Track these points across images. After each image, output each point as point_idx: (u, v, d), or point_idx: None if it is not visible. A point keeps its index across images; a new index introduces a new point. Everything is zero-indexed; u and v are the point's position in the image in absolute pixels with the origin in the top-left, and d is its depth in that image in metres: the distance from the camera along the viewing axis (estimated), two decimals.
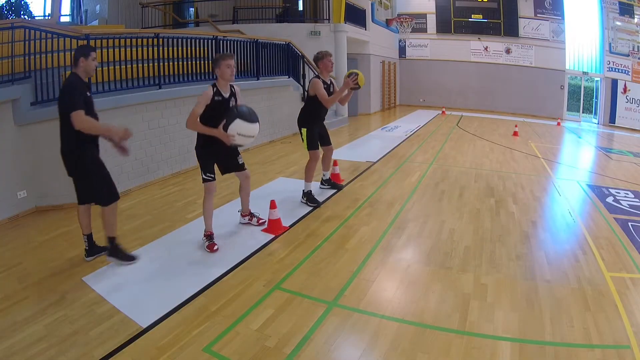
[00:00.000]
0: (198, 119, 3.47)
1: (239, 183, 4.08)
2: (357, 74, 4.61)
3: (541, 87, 16.23)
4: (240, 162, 3.88)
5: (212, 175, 3.65)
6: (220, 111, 3.49)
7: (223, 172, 3.90)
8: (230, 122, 3.35)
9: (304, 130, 4.79)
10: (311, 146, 4.80)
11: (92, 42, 4.99)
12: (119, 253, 3.39)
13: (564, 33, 15.88)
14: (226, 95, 3.60)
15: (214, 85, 3.55)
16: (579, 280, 3.19)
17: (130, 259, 3.42)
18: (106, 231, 3.35)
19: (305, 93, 4.76)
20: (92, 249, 3.50)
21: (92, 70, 3.27)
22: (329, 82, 4.87)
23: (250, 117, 3.41)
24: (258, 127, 3.49)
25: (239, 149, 3.84)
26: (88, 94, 3.23)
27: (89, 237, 3.50)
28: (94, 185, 3.31)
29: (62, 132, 3.19)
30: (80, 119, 3.03)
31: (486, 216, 4.57)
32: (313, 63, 4.99)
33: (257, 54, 8.29)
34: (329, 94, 4.79)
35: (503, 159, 7.68)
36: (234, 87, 3.70)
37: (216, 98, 3.51)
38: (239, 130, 3.36)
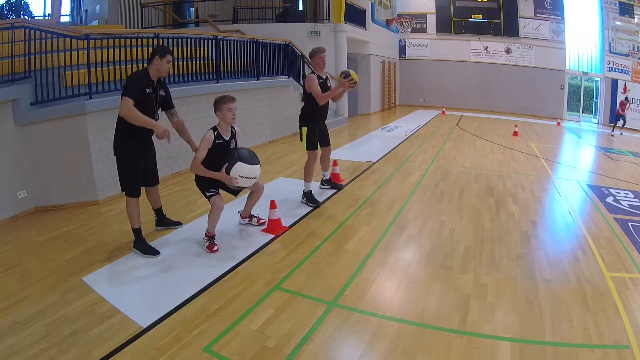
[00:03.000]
0: (200, 163, 3.51)
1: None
2: (349, 73, 4.63)
3: (541, 87, 16.24)
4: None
5: (215, 190, 3.63)
6: (221, 154, 3.55)
7: (235, 193, 3.89)
8: (232, 165, 3.43)
9: (304, 129, 4.78)
10: (310, 146, 4.79)
11: (92, 42, 4.99)
12: (140, 245, 3.58)
13: (564, 33, 15.89)
14: (227, 137, 3.64)
15: (214, 129, 3.59)
16: (579, 280, 3.20)
17: (153, 252, 3.56)
18: (130, 221, 3.62)
19: (302, 88, 4.77)
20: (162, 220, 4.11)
21: (164, 71, 3.54)
22: (324, 77, 4.86)
23: (252, 159, 3.49)
24: (259, 168, 3.57)
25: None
26: (148, 90, 3.43)
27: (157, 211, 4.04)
28: (119, 172, 3.62)
29: (118, 117, 3.48)
30: (126, 106, 3.25)
31: (486, 216, 4.57)
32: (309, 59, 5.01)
33: (257, 54, 8.29)
34: (325, 88, 4.78)
35: (503, 159, 7.68)
36: (234, 128, 3.73)
37: (217, 142, 3.56)
38: (241, 173, 3.45)
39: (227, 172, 3.44)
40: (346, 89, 4.62)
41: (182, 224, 4.22)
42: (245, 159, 3.45)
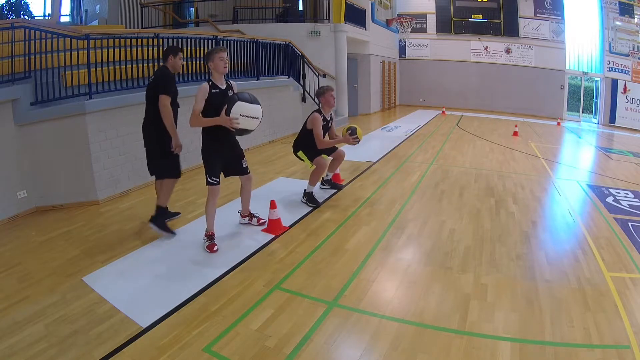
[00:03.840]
0: (200, 115, 3.47)
1: (239, 183, 4.08)
2: (356, 129, 4.73)
3: (541, 87, 16.23)
4: (244, 166, 3.87)
5: (217, 180, 3.64)
6: (219, 104, 3.49)
7: (226, 174, 3.89)
8: (231, 105, 3.37)
9: (300, 153, 4.82)
10: (313, 157, 4.78)
11: (92, 42, 4.99)
12: (160, 221, 3.91)
13: (564, 33, 15.88)
14: (223, 87, 3.59)
15: (209, 80, 3.56)
16: (579, 280, 3.20)
17: (170, 231, 3.88)
18: (159, 200, 3.99)
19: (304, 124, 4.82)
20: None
21: (178, 68, 4.05)
22: (328, 119, 4.87)
23: (252, 99, 3.44)
24: (260, 109, 3.50)
25: (241, 141, 3.82)
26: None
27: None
28: (147, 156, 4.13)
29: (147, 110, 4.01)
30: (163, 103, 3.78)
31: (486, 216, 4.57)
32: (315, 98, 4.95)
33: (257, 54, 8.29)
34: (326, 130, 4.83)
35: (503, 159, 7.68)
36: (230, 80, 3.70)
37: (213, 91, 3.51)
38: (241, 112, 3.37)
39: (227, 113, 3.38)
40: (349, 144, 4.74)
41: (179, 214, 4.46)
42: (245, 99, 3.41)
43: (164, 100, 3.77)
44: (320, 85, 4.95)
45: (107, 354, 2.32)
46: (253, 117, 3.44)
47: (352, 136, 4.68)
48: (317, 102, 4.95)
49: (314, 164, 4.78)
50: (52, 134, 4.68)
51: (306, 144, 4.79)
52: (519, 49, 16.59)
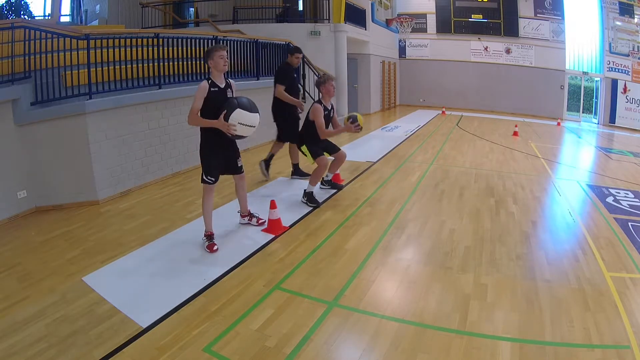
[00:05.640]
0: (198, 114, 3.47)
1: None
2: (357, 117, 4.73)
3: (541, 87, 16.23)
4: (239, 165, 3.87)
5: (213, 179, 3.64)
6: (218, 103, 3.49)
7: (222, 172, 3.89)
8: (230, 112, 3.37)
9: (303, 148, 4.83)
10: (316, 155, 4.79)
11: (92, 42, 4.99)
12: (299, 171, 5.77)
13: (564, 33, 15.88)
14: (222, 85, 3.59)
15: (208, 79, 3.55)
16: (579, 280, 3.19)
17: (305, 174, 5.56)
18: (293, 159, 5.78)
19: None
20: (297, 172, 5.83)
21: (294, 63, 5.68)
22: (329, 108, 4.87)
23: (251, 107, 3.45)
24: (259, 117, 3.52)
25: (240, 141, 3.83)
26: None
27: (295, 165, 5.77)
28: (281, 130, 5.69)
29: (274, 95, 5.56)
30: (278, 91, 5.56)
31: (486, 216, 4.57)
32: (315, 87, 5.03)
33: (257, 54, 8.29)
34: (328, 120, 4.82)
35: (503, 159, 7.68)
36: (229, 79, 3.70)
37: (212, 89, 3.51)
38: (239, 120, 3.39)
39: (226, 119, 3.39)
40: (351, 132, 4.74)
41: (309, 175, 5.22)
42: (245, 106, 3.42)
43: (279, 88, 5.45)
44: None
45: (107, 354, 2.32)
46: (250, 126, 3.48)
47: (354, 124, 4.67)
48: (318, 91, 4.97)
49: (316, 163, 4.79)
50: (52, 134, 4.69)
51: (309, 135, 4.80)
52: (519, 49, 16.58)
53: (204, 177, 3.63)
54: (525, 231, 4.18)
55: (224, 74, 3.65)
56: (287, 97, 5.50)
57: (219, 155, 3.68)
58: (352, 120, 4.73)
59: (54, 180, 4.78)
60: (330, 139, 5.06)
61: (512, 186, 5.80)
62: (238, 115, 3.38)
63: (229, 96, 3.61)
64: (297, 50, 5.65)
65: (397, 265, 3.44)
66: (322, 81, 4.82)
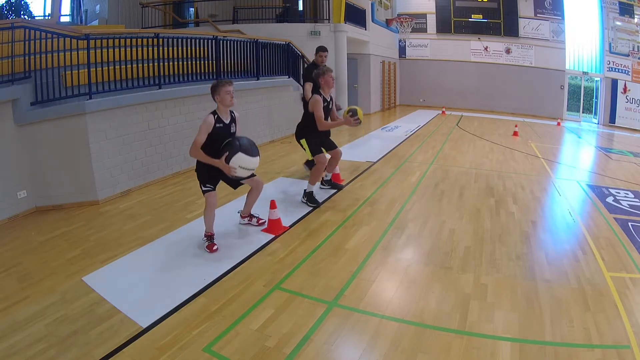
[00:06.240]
0: (200, 148, 3.49)
1: (244, 187, 4.05)
2: (356, 111, 4.72)
3: (541, 87, 16.22)
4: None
5: (211, 186, 3.63)
6: (222, 138, 3.54)
7: (235, 186, 3.90)
8: (232, 155, 3.42)
9: (303, 142, 4.82)
10: (315, 151, 4.79)
11: (92, 42, 4.99)
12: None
13: (564, 33, 15.88)
14: (227, 121, 3.62)
15: (214, 113, 3.56)
16: (579, 280, 3.20)
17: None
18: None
19: (303, 101, 4.87)
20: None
21: (319, 62, 5.72)
22: (328, 99, 4.86)
23: (252, 150, 3.50)
24: (259, 160, 3.58)
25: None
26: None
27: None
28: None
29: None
30: (305, 88, 5.62)
31: (486, 216, 4.57)
32: (314, 78, 4.95)
33: (257, 54, 8.29)
34: (327, 111, 4.81)
35: (503, 159, 7.68)
36: (234, 112, 3.72)
37: (217, 125, 3.54)
38: (240, 164, 3.45)
39: (227, 161, 3.42)
40: (350, 125, 4.73)
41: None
42: (246, 150, 3.46)
43: (305, 86, 5.58)
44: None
45: (107, 354, 2.32)
46: (250, 169, 3.54)
47: (353, 117, 4.66)
48: (317, 83, 4.97)
49: (314, 159, 4.79)
50: (52, 134, 4.69)
51: (308, 127, 4.80)
52: (519, 49, 16.58)
53: (203, 187, 3.63)
54: (525, 231, 4.18)
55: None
56: (330, 123, 5.11)
57: (217, 174, 3.66)
58: (352, 113, 4.71)
59: (54, 180, 4.78)
60: (330, 139, 5.07)
61: (512, 186, 5.80)
62: (239, 159, 3.44)
63: (232, 131, 3.64)
64: (322, 49, 5.73)
65: (397, 265, 3.44)
66: (321, 72, 4.82)
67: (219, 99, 3.54)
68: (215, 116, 3.54)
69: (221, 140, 3.53)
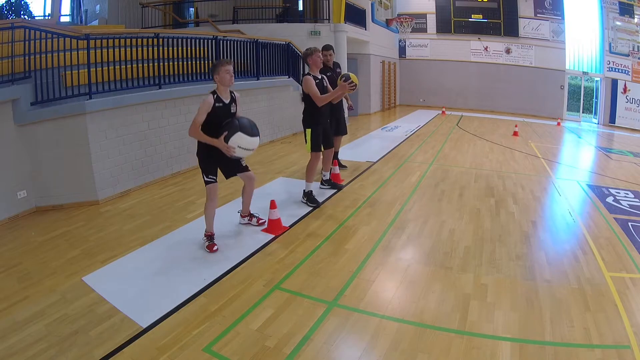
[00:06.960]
0: (200, 128, 3.48)
1: (240, 183, 4.07)
2: (349, 75, 4.63)
3: (541, 87, 16.23)
4: (243, 165, 3.85)
5: (214, 178, 3.64)
6: (221, 117, 3.52)
7: (227, 175, 3.87)
8: (231, 134, 3.41)
9: (308, 131, 4.80)
10: (314, 148, 4.79)
11: (92, 42, 4.99)
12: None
13: (564, 33, 15.88)
14: (227, 101, 3.60)
15: (213, 92, 3.55)
16: (579, 280, 3.19)
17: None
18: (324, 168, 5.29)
19: (302, 91, 4.83)
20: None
21: (324, 62, 5.38)
22: (320, 78, 4.87)
23: (252, 130, 3.49)
24: (258, 140, 3.57)
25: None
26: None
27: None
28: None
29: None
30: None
31: (486, 216, 4.57)
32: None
33: (257, 54, 8.29)
34: (322, 88, 4.79)
35: (503, 159, 7.68)
36: (234, 92, 3.71)
37: (217, 105, 3.52)
38: (239, 143, 3.44)
39: (226, 140, 3.42)
40: (346, 91, 4.61)
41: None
42: (246, 130, 3.45)
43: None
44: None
45: (107, 354, 2.32)
46: (249, 149, 3.53)
47: (347, 82, 4.58)
48: (306, 63, 5.00)
49: (310, 154, 4.81)
50: (52, 134, 4.69)
51: (312, 112, 4.78)
52: (519, 49, 16.58)
53: (205, 177, 3.63)
54: (525, 231, 4.18)
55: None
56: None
57: (217, 156, 3.67)
58: (345, 78, 4.61)
59: (54, 180, 4.78)
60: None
61: (512, 186, 5.80)
62: (238, 138, 3.43)
63: (232, 111, 3.63)
64: (325, 47, 5.67)
65: (397, 265, 3.44)
66: (309, 53, 4.85)
67: (218, 79, 3.53)
68: (215, 96, 3.53)
69: (221, 120, 3.51)
